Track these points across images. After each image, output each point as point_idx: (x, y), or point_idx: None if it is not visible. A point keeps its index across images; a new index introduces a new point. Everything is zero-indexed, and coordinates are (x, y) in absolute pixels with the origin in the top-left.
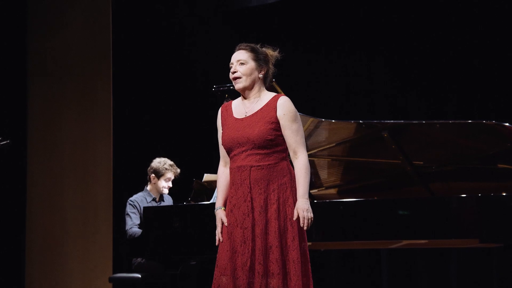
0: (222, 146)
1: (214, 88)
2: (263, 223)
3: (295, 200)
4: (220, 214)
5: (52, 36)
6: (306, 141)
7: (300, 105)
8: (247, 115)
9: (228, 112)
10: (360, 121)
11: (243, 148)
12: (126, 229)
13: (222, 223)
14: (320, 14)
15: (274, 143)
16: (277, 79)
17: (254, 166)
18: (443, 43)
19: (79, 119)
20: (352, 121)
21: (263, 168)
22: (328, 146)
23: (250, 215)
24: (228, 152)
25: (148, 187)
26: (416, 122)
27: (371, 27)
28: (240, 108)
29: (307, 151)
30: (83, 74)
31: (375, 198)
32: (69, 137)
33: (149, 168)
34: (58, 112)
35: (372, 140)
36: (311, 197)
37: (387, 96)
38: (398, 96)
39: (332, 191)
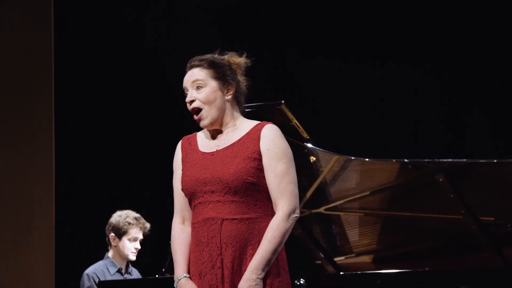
0: (181, 194)
1: None
2: None
3: (283, 276)
4: (186, 286)
5: None
6: (328, 188)
7: (319, 137)
8: (219, 148)
9: (192, 146)
10: (405, 160)
11: (213, 194)
12: None
13: None
14: (346, 12)
15: (256, 188)
16: (286, 102)
17: (227, 219)
18: None
19: (10, 155)
20: (394, 160)
21: (239, 222)
22: (359, 196)
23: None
24: (190, 199)
25: (110, 253)
26: (484, 161)
27: (416, 33)
28: (208, 140)
29: (329, 202)
30: (15, 96)
31: (426, 268)
32: None
33: (107, 225)
34: None
35: (422, 186)
36: (335, 267)
37: (441, 125)
38: (455, 125)
39: (366, 258)
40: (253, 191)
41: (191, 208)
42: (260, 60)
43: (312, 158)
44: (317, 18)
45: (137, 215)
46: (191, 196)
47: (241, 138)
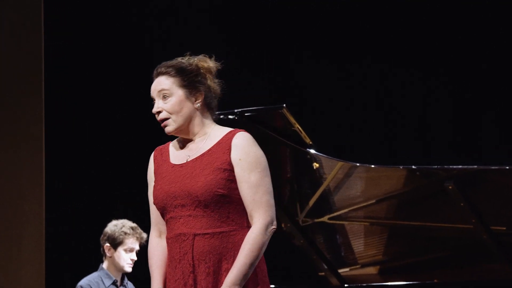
0: (155, 207)
1: None
2: None
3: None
4: None
5: None
6: (332, 196)
7: (323, 142)
8: (189, 160)
9: (163, 157)
10: (413, 167)
11: (183, 209)
12: None
13: None
14: (351, 13)
15: (228, 200)
16: (287, 105)
17: (198, 235)
18: None
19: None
20: (401, 167)
21: (212, 237)
22: (365, 204)
23: None
24: (163, 213)
25: (104, 265)
26: (495, 168)
27: (424, 35)
28: (179, 150)
29: (333, 210)
30: (7, 96)
31: (435, 280)
32: None
33: (102, 235)
34: None
35: (430, 194)
36: (340, 279)
37: (450, 130)
38: (465, 130)
39: (372, 270)
40: (224, 204)
41: (164, 222)
42: (261, 61)
43: (315, 165)
44: (319, 19)
45: (134, 224)
46: (162, 210)
47: (211, 148)
